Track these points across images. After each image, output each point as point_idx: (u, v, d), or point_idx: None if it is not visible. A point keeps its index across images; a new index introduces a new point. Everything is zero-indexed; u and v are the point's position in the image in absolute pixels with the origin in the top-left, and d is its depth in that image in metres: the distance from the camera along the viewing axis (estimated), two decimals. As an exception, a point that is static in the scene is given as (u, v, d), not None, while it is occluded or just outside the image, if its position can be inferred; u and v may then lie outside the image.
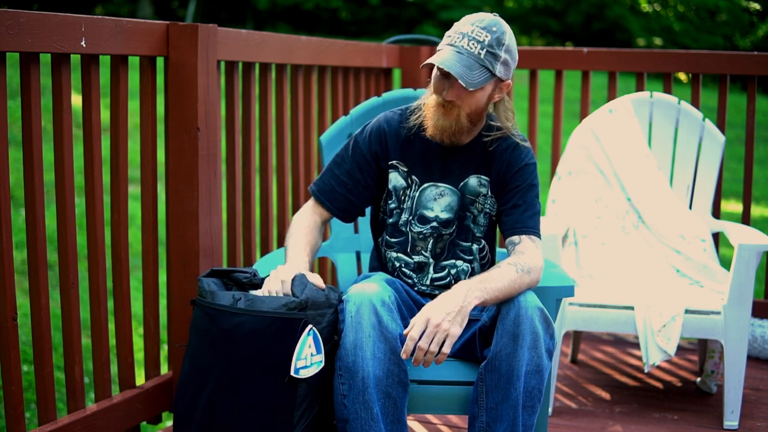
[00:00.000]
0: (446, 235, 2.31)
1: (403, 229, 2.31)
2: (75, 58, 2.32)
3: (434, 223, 2.30)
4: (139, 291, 2.75)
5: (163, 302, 3.25)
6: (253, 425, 2.02)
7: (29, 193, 2.21)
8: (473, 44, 2.15)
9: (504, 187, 2.30)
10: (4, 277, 2.11)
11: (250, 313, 2.01)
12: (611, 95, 3.80)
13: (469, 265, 2.34)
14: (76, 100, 2.47)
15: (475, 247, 2.33)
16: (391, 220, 2.33)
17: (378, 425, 2.05)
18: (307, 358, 2.03)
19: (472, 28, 2.17)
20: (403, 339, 2.08)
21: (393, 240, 2.33)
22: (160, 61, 2.60)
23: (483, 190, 2.31)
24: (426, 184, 2.31)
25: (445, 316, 2.01)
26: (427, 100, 2.27)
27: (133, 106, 3.71)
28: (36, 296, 2.23)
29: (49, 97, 2.29)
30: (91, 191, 2.39)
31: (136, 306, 2.90)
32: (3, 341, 2.13)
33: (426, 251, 2.32)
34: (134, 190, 4.93)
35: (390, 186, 2.32)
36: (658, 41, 16.29)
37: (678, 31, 16.23)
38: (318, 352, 2.05)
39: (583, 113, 3.82)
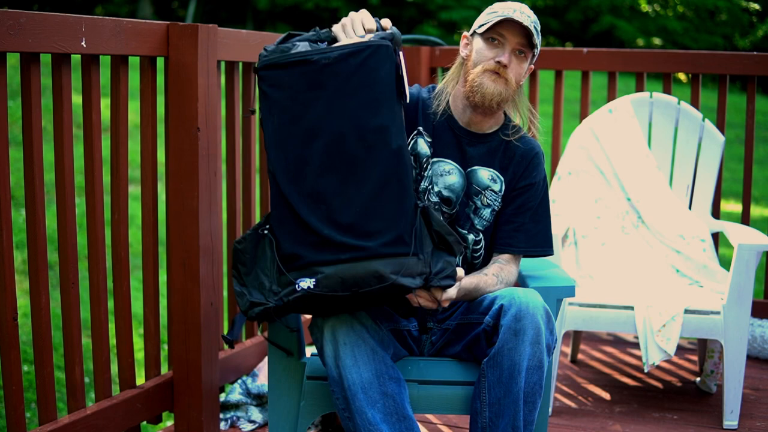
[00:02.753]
0: (446, 214, 2.33)
1: (422, 197, 2.33)
2: (75, 58, 2.32)
3: (436, 198, 2.33)
4: (139, 291, 2.75)
5: (163, 302, 3.25)
6: (375, 139, 2.03)
7: (29, 193, 2.21)
8: (525, 18, 2.24)
9: (513, 191, 2.33)
10: (5, 277, 2.11)
11: (349, 46, 2.02)
12: (611, 95, 3.81)
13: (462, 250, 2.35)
14: (76, 100, 2.48)
15: (471, 237, 2.34)
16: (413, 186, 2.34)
17: (378, 427, 2.05)
18: (404, 81, 2.07)
19: (518, 6, 2.27)
20: (386, 340, 2.14)
21: None
22: (160, 61, 2.60)
23: (494, 186, 2.33)
24: (437, 158, 2.34)
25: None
26: (458, 78, 2.33)
27: (133, 106, 3.72)
28: (36, 296, 2.23)
29: (50, 97, 2.30)
30: (91, 191, 2.39)
31: (136, 306, 2.90)
32: (3, 341, 2.13)
33: None
34: (134, 190, 4.93)
35: (415, 151, 2.34)
36: (657, 41, 16.30)
37: (678, 31, 16.24)
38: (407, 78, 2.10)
39: (583, 113, 3.82)
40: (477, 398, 2.13)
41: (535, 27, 2.26)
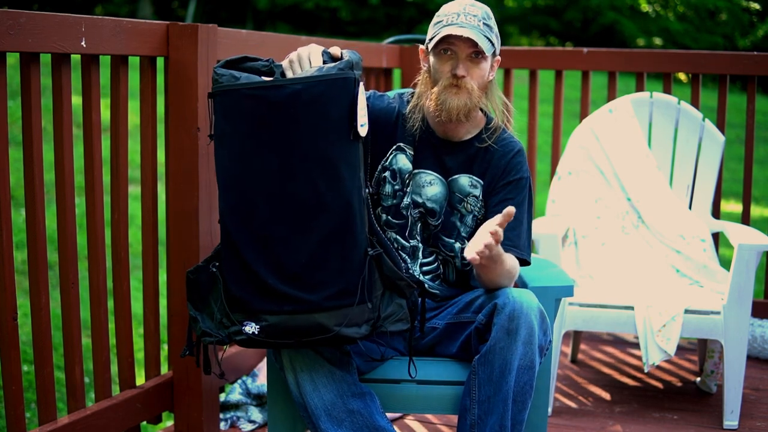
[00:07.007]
0: (432, 225, 2.32)
1: (404, 212, 2.32)
2: (75, 58, 2.32)
3: (421, 209, 2.32)
4: (139, 291, 2.75)
5: (163, 302, 3.24)
6: (326, 186, 1.97)
7: (29, 193, 2.21)
8: (471, 18, 2.19)
9: (493, 193, 2.30)
10: (4, 277, 2.11)
11: (302, 81, 1.94)
12: (611, 95, 3.81)
13: (451, 259, 2.35)
14: (76, 100, 2.46)
15: (458, 245, 2.33)
16: (394, 201, 2.32)
17: None
18: (363, 114, 1.99)
19: (462, 7, 2.22)
20: (345, 359, 2.13)
21: (395, 221, 2.33)
22: (160, 61, 2.60)
23: (475, 192, 2.31)
24: (418, 170, 2.32)
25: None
26: (428, 91, 2.27)
27: (133, 106, 3.71)
28: (36, 296, 2.23)
29: (49, 97, 2.30)
30: (91, 191, 2.39)
31: (136, 306, 2.90)
32: (3, 341, 2.13)
33: (418, 236, 2.33)
34: (134, 190, 4.92)
35: (395, 167, 2.32)
36: (657, 41, 16.30)
37: (678, 31, 16.24)
38: (366, 112, 2.02)
39: (583, 113, 3.82)
40: (467, 395, 2.14)
41: (485, 23, 2.20)
